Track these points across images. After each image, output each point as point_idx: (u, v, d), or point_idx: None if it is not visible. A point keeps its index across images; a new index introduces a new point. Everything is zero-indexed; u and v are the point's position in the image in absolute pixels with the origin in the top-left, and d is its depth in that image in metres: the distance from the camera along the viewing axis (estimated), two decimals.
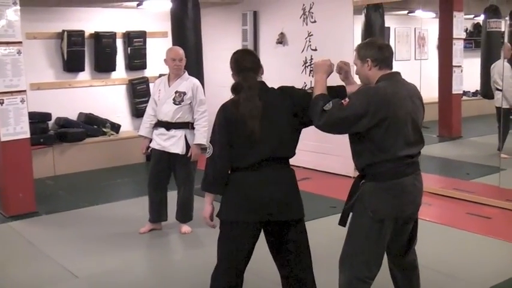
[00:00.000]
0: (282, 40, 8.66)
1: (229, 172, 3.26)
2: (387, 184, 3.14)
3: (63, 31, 8.80)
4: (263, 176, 3.18)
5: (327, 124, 3.10)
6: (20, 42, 6.26)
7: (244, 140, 3.17)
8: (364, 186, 3.20)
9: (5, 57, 6.13)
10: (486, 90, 10.03)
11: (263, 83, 3.31)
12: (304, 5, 8.24)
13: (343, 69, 3.44)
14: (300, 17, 8.31)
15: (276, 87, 3.33)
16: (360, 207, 3.18)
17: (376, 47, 3.25)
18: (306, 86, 8.16)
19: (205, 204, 3.32)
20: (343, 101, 3.11)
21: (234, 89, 3.28)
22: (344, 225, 3.29)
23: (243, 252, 3.25)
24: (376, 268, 3.22)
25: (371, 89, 3.15)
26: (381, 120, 3.05)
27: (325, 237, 5.07)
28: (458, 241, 5.38)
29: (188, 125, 5.48)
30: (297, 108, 3.23)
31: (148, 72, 9.73)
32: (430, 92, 9.38)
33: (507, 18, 8.73)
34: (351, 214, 3.28)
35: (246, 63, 3.29)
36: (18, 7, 6.19)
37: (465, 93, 11.31)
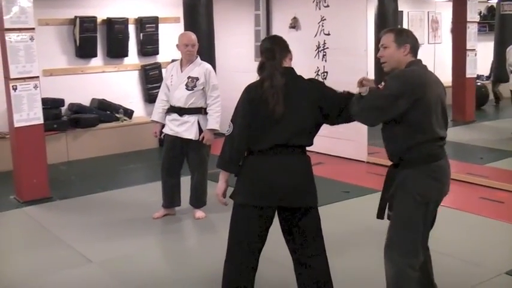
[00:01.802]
0: (295, 25, 8.62)
1: (245, 154, 3.29)
2: (430, 167, 3.17)
3: (76, 17, 8.80)
4: (277, 161, 3.19)
5: (364, 109, 3.14)
6: (33, 29, 6.27)
7: (263, 122, 3.19)
8: (404, 172, 3.19)
9: (18, 44, 6.14)
10: (499, 74, 9.95)
11: (291, 68, 3.32)
12: None
13: (365, 86, 3.32)
14: (313, 2, 8.25)
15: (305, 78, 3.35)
16: (404, 193, 3.18)
17: (414, 36, 3.31)
18: (319, 70, 8.14)
19: (219, 181, 3.35)
20: (379, 85, 3.14)
21: (260, 68, 3.33)
22: (382, 218, 3.30)
23: (254, 235, 3.26)
24: (421, 254, 3.25)
25: (406, 71, 3.20)
26: (417, 101, 3.08)
27: (339, 222, 5.07)
28: (472, 226, 5.37)
29: (201, 111, 5.48)
30: (324, 103, 3.24)
31: (160, 58, 9.73)
32: (443, 76, 9.33)
33: None
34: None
35: (269, 45, 3.33)
36: None
37: (479, 77, 11.24)
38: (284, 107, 3.15)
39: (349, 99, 3.23)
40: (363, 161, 7.28)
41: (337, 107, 3.26)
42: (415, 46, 3.26)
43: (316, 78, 6.36)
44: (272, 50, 3.28)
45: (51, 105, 8.25)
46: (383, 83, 3.13)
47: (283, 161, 3.20)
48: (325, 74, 8.11)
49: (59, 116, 8.52)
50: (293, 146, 3.20)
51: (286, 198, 3.20)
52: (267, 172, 3.20)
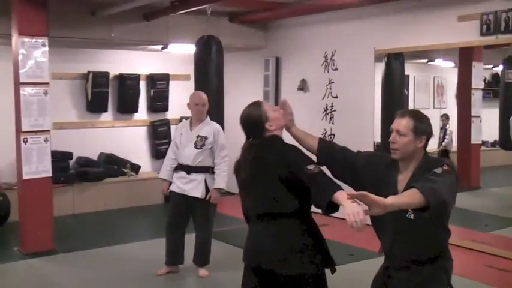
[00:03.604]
0: (303, 86, 8.76)
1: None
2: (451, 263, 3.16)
3: (89, 72, 8.98)
4: (252, 228, 3.31)
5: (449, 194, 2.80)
6: (47, 83, 6.41)
7: (240, 193, 3.37)
8: (425, 269, 3.06)
9: (32, 97, 6.26)
10: (505, 141, 10.00)
11: (267, 139, 3.27)
12: (326, 52, 8.35)
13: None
14: (322, 64, 8.41)
15: (280, 143, 3.27)
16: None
17: (430, 124, 3.09)
18: (326, 132, 8.22)
19: None
20: (435, 170, 2.88)
21: None
22: None
23: None
24: None
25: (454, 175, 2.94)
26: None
27: (344, 285, 5.04)
28: None
29: (209, 169, 5.53)
30: (286, 174, 3.12)
31: (170, 115, 9.86)
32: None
33: None
34: None
35: (241, 125, 3.41)
36: (47, 48, 6.36)
37: (484, 143, 11.27)
38: (251, 179, 3.24)
39: (313, 177, 3.01)
40: (368, 224, 7.24)
41: (298, 180, 3.08)
42: (429, 138, 3.06)
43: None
44: (243, 129, 3.38)
45: (59, 158, 8.32)
46: (438, 170, 2.87)
47: (253, 228, 3.30)
48: (332, 136, 8.19)
49: (67, 169, 8.60)
50: (263, 214, 3.23)
51: (261, 260, 3.22)
52: (249, 236, 3.34)
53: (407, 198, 2.68)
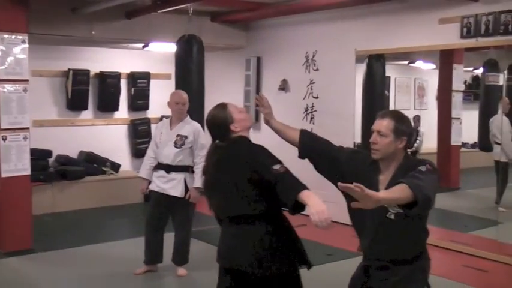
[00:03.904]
0: (284, 87, 8.77)
1: None
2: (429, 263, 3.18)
3: (69, 70, 8.92)
4: (227, 230, 3.29)
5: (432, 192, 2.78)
6: (27, 80, 6.36)
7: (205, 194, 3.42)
8: (404, 268, 3.07)
9: (11, 95, 6.21)
10: (484, 143, 10.09)
11: (233, 140, 3.26)
12: (307, 52, 8.37)
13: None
14: (303, 64, 8.43)
15: (246, 144, 3.26)
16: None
17: (411, 125, 3.12)
18: None
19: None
20: (420, 168, 2.89)
21: None
22: None
23: None
24: None
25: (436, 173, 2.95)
26: None
27: (322, 285, 5.05)
28: None
29: (188, 169, 5.53)
30: (253, 175, 3.09)
31: (150, 113, 9.83)
32: (428, 142, 9.47)
33: (505, 72, 8.83)
34: None
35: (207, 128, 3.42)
36: (26, 45, 6.31)
37: (464, 144, 11.36)
38: (218, 181, 3.24)
39: (279, 177, 2.96)
40: (347, 224, 7.27)
41: (265, 180, 3.04)
42: (410, 139, 3.09)
43: None
44: (209, 131, 3.38)
45: (38, 156, 8.26)
46: (423, 168, 2.87)
47: (225, 230, 3.31)
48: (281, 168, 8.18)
49: (46, 167, 8.54)
50: (233, 216, 3.24)
51: (225, 259, 3.27)
52: (220, 238, 3.36)
53: (398, 193, 2.67)
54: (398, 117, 3.07)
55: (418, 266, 3.10)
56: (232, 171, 3.16)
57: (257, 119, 8.30)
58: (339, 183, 2.56)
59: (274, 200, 3.05)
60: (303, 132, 3.43)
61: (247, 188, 3.11)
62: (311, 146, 3.37)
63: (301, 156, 3.39)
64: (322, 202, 2.74)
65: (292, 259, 3.23)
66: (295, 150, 3.42)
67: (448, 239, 6.79)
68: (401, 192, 2.66)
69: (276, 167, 3.00)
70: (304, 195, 2.85)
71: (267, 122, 3.48)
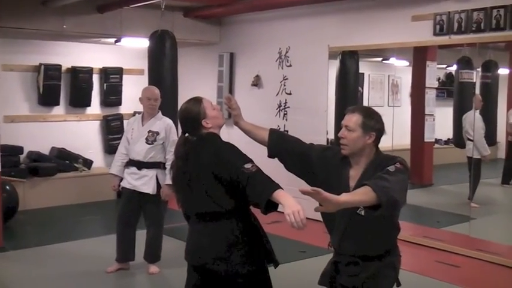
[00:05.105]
0: (257, 83, 8.74)
1: None
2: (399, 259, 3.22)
3: (40, 64, 8.79)
4: (194, 227, 3.25)
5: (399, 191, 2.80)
6: None
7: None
8: (374, 264, 3.09)
9: None
10: (459, 140, 10.18)
11: (202, 136, 3.22)
12: (280, 48, 8.35)
13: None
14: (276, 61, 8.41)
15: (217, 142, 3.20)
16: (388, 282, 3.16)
17: (382, 121, 3.09)
18: (279, 128, 8.21)
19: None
20: (388, 168, 2.88)
21: None
22: None
23: None
24: None
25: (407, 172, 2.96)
26: None
27: (294, 282, 5.05)
28: None
29: (160, 165, 5.48)
30: (219, 172, 3.05)
31: (123, 109, 9.74)
32: (402, 138, 9.50)
33: (479, 69, 8.91)
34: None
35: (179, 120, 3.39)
36: None
37: (437, 141, 11.46)
38: (185, 176, 3.19)
39: (251, 176, 2.90)
40: (320, 221, 7.28)
41: (234, 179, 2.98)
42: (380, 135, 3.06)
43: None
44: (180, 123, 3.35)
45: (9, 153, 8.14)
46: (391, 168, 2.86)
47: (193, 227, 3.27)
48: (286, 132, 8.19)
49: (17, 164, 8.42)
50: (201, 213, 3.20)
51: (192, 257, 3.25)
52: (188, 236, 3.33)
53: (360, 196, 2.67)
54: (367, 112, 3.09)
55: (388, 262, 3.12)
56: (199, 167, 3.12)
57: (230, 115, 8.26)
58: (299, 188, 2.55)
59: (242, 198, 3.01)
60: (272, 132, 3.42)
61: (214, 186, 3.07)
62: (280, 145, 3.35)
63: (271, 155, 3.38)
64: (296, 202, 2.70)
65: (259, 257, 3.20)
66: (265, 149, 3.40)
67: (420, 235, 6.84)
68: (364, 195, 2.67)
69: (248, 166, 2.96)
70: (279, 195, 2.80)
71: (236, 123, 3.45)
